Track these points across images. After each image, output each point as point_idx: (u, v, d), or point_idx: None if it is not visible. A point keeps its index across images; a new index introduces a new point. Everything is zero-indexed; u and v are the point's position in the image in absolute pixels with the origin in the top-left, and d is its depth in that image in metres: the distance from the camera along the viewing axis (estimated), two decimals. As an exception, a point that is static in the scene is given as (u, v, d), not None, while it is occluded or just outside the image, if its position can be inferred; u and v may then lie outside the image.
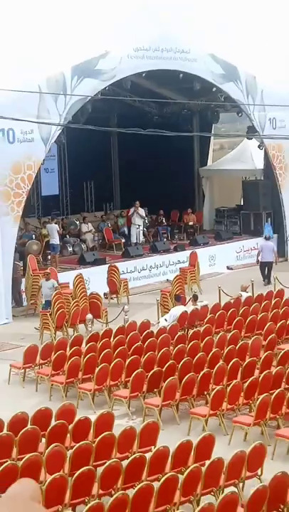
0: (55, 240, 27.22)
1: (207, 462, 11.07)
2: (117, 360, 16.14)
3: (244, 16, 31.08)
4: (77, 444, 11.69)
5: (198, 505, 10.27)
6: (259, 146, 30.30)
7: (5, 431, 12.21)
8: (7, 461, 11.05)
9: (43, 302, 21.13)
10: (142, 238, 29.18)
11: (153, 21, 26.37)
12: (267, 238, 28.89)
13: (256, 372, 15.50)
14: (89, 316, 21.24)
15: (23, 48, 26.83)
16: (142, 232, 29.34)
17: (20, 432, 12.04)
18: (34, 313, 22.62)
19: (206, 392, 14.85)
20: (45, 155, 24.60)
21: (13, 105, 22.31)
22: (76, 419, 12.89)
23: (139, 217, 29.41)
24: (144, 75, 26.24)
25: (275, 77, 29.63)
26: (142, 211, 29.76)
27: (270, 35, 30.32)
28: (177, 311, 19.97)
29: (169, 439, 12.42)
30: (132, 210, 29.82)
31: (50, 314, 20.89)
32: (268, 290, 22.97)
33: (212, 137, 35.13)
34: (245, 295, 22.08)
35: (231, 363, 15.73)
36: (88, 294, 22.65)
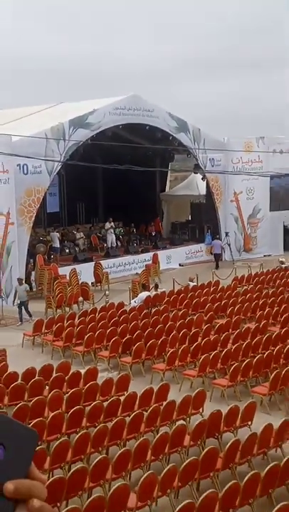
0: (56, 244, 27.33)
1: (164, 403, 11.02)
2: (100, 330, 16.02)
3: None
4: (71, 390, 11.71)
5: (157, 433, 10.14)
6: (202, 178, 30.25)
7: (19, 380, 12.07)
8: (21, 402, 10.97)
9: (18, 302, 19.92)
10: (114, 243, 29.12)
11: (128, 89, 26.86)
12: (217, 238, 29.57)
13: (199, 339, 15.30)
14: (80, 298, 21.32)
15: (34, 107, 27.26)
16: (114, 238, 29.31)
17: (30, 381, 11.98)
18: (41, 296, 22.26)
19: (163, 353, 14.75)
20: (50, 183, 24.42)
21: (27, 147, 22.34)
22: (70, 372, 12.90)
23: (111, 229, 29.44)
24: (120, 126, 26.25)
25: (212, 130, 30.13)
26: (113, 224, 29.68)
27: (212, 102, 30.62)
28: (143, 295, 19.89)
29: (137, 386, 12.37)
30: (107, 224, 29.79)
31: (52, 297, 20.73)
32: (208, 281, 22.72)
33: (169, 171, 34.97)
34: (191, 284, 21.99)
35: (182, 332, 15.74)
36: (80, 283, 22.57)
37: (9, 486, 0.87)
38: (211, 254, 29.34)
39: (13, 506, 0.88)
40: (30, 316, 19.62)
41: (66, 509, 7.46)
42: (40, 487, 0.91)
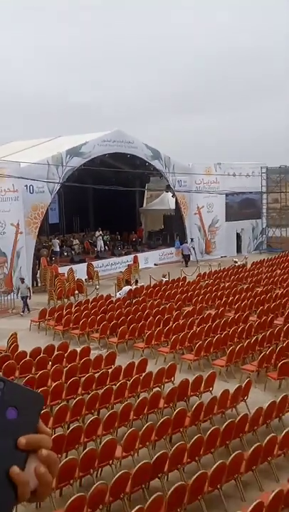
0: (57, 249, 27.21)
1: (143, 374, 11.08)
2: (92, 316, 16.03)
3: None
4: (69, 365, 11.76)
5: (138, 398, 10.24)
6: (172, 196, 30.30)
7: (28, 357, 12.03)
8: (29, 375, 11.02)
9: (22, 297, 19.50)
10: (102, 248, 29.05)
11: (112, 126, 26.92)
12: (186, 242, 29.70)
13: (171, 323, 15.27)
14: (76, 292, 21.35)
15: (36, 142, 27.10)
16: (102, 244, 29.31)
17: (36, 358, 12.00)
18: (45, 290, 22.14)
19: (142, 334, 14.67)
20: (51, 200, 24.32)
21: (33, 172, 22.47)
22: (68, 350, 12.88)
23: (100, 236, 29.50)
24: (107, 155, 26.21)
25: (179, 157, 30.25)
26: (102, 233, 29.83)
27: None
28: (126, 288, 19.81)
29: (122, 361, 12.40)
30: (97, 232, 29.87)
31: (53, 291, 20.63)
32: (178, 277, 22.70)
33: (146, 191, 34.88)
34: (164, 279, 22.04)
35: (157, 317, 15.79)
36: (76, 279, 22.44)
37: (22, 440, 0.88)
38: (182, 255, 29.41)
39: (26, 456, 0.89)
40: (28, 310, 19.36)
41: (66, 459, 7.45)
42: (47, 439, 0.92)
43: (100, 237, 29.57)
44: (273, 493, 6.42)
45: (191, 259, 29.26)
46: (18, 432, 0.88)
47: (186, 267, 27.57)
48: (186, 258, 29.06)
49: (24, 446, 0.88)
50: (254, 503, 6.16)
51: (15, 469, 0.85)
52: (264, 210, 33.92)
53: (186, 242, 29.81)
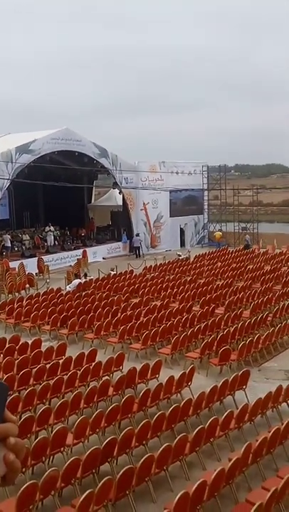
0: (8, 244, 26.46)
1: (93, 364, 11.03)
2: (43, 309, 15.75)
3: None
4: (21, 357, 11.40)
5: (88, 386, 10.15)
6: (119, 193, 30.21)
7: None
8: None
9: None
10: (52, 243, 28.76)
11: (61, 124, 26.58)
12: (137, 235, 29.84)
13: (119, 314, 15.28)
14: (27, 285, 20.97)
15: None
16: (52, 239, 29.05)
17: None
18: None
19: (92, 326, 14.53)
20: (1, 196, 23.87)
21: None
22: (20, 343, 12.58)
23: (50, 231, 29.27)
24: (56, 152, 25.87)
25: (126, 155, 30.27)
26: (52, 228, 29.58)
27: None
28: (76, 282, 19.65)
29: (72, 352, 12.13)
30: (47, 228, 29.47)
31: (5, 285, 20.14)
32: (125, 270, 22.71)
33: (94, 187, 34.71)
34: (112, 273, 22.00)
35: (105, 309, 15.72)
36: (26, 274, 22.10)
37: None
38: (133, 247, 29.65)
39: None
40: None
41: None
42: (14, 427, 0.93)
43: (51, 233, 29.17)
44: (215, 472, 6.56)
45: (142, 252, 29.51)
46: None
47: (138, 258, 28.04)
48: (137, 250, 29.46)
49: None
50: (198, 482, 6.28)
51: None
52: (205, 207, 34.50)
53: (138, 236, 29.97)
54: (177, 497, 5.94)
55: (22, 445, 0.93)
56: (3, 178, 23.20)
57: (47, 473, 6.51)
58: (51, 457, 7.88)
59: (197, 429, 7.81)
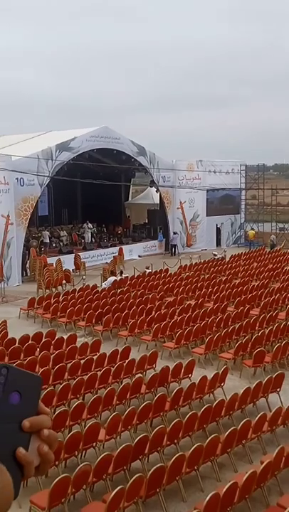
0: (46, 240, 26.91)
1: (126, 361, 11.07)
2: (78, 305, 15.90)
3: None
4: (56, 351, 11.69)
5: (121, 383, 10.17)
6: (156, 191, 30.18)
7: (17, 344, 11.96)
8: (17, 361, 10.96)
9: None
10: (89, 240, 29.02)
11: (100, 122, 26.80)
12: (174, 233, 29.87)
13: (153, 312, 15.28)
14: (64, 281, 21.26)
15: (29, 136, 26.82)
16: (89, 236, 29.38)
17: (25, 345, 11.92)
18: (34, 280, 21.97)
19: (126, 323, 14.63)
20: (40, 193, 24.11)
21: (24, 165, 22.28)
22: (56, 337, 12.81)
23: (88, 229, 29.61)
24: (95, 150, 26.06)
25: (163, 154, 30.28)
26: (90, 225, 29.93)
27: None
28: (111, 279, 19.76)
29: (106, 348, 12.37)
30: (85, 225, 29.85)
31: (42, 280, 20.41)
32: (160, 268, 22.59)
33: (131, 185, 34.79)
34: (147, 271, 21.97)
35: (140, 307, 15.71)
36: (63, 270, 22.32)
37: (26, 423, 0.90)
38: (170, 245, 29.84)
39: (29, 436, 0.91)
40: None
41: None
42: (47, 419, 0.94)
43: (88, 230, 29.46)
44: (247, 474, 6.51)
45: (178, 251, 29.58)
46: (22, 415, 0.90)
47: (174, 256, 28.17)
48: (174, 248, 29.62)
49: (28, 428, 0.90)
50: (229, 484, 6.25)
51: (21, 450, 0.89)
52: (242, 206, 34.13)
53: (175, 234, 29.99)
54: (208, 497, 5.93)
55: (55, 437, 0.94)
56: (44, 175, 23.52)
57: (79, 467, 6.61)
58: (84, 452, 7.99)
59: (229, 431, 7.77)
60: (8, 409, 0.89)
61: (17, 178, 22.34)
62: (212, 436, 7.61)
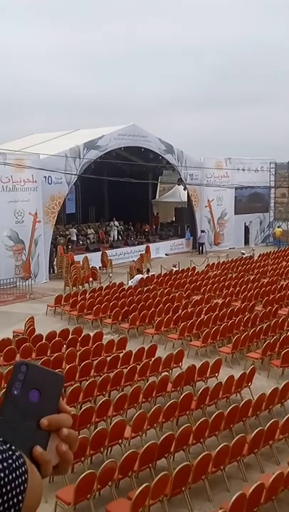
0: (73, 238, 27.20)
1: (152, 359, 11.10)
2: (105, 303, 16.01)
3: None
4: (83, 348, 11.75)
5: (147, 381, 10.17)
6: (184, 189, 30.11)
7: (43, 340, 12.06)
8: (44, 357, 11.08)
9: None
10: (116, 237, 29.18)
11: (127, 120, 26.81)
12: (202, 231, 29.85)
13: (180, 310, 15.22)
14: (90, 279, 21.31)
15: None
16: (116, 234, 29.53)
17: (52, 341, 12.00)
18: (61, 277, 22.11)
19: (152, 321, 14.65)
20: (68, 191, 24.29)
21: (52, 163, 22.46)
22: (82, 334, 12.90)
23: (114, 226, 29.77)
24: (122, 148, 26.11)
25: (190, 152, 30.12)
26: (116, 223, 30.10)
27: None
28: (138, 277, 19.81)
29: (132, 346, 12.40)
30: (112, 223, 30.05)
31: (69, 278, 20.55)
32: (187, 267, 22.58)
33: (158, 183, 34.77)
34: (174, 269, 21.96)
35: (166, 305, 15.64)
36: (90, 267, 22.41)
37: (44, 421, 0.89)
38: (197, 243, 29.83)
39: (48, 434, 0.90)
40: None
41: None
42: (67, 418, 0.93)
43: (115, 228, 29.60)
44: (274, 475, 6.44)
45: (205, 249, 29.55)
46: (41, 413, 0.89)
47: (201, 254, 28.25)
48: (201, 246, 29.62)
49: (46, 426, 0.89)
50: (255, 484, 6.19)
51: (37, 449, 0.87)
52: (272, 204, 33.70)
53: (203, 232, 29.94)
54: (234, 497, 5.88)
55: (75, 437, 0.93)
56: (71, 174, 23.67)
57: (105, 463, 6.63)
58: (109, 448, 8.02)
59: (256, 431, 7.69)
60: (27, 407, 0.88)
61: (45, 177, 22.55)
62: (239, 436, 7.55)
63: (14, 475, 0.80)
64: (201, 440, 8.05)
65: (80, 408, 8.88)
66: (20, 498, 0.79)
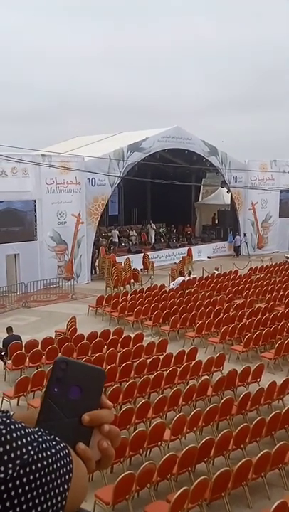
0: (115, 239, 27.47)
1: (193, 362, 11.06)
2: (146, 305, 16.02)
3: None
4: (123, 349, 11.83)
5: (187, 384, 10.25)
6: (227, 192, 29.85)
7: (85, 340, 12.18)
8: (85, 357, 11.09)
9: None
10: (154, 240, 29.24)
11: (171, 123, 26.86)
12: (237, 235, 29.67)
13: (221, 314, 15.06)
14: (132, 280, 21.47)
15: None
16: (153, 236, 29.61)
17: (93, 342, 12.14)
18: (102, 278, 22.31)
19: (193, 324, 14.61)
20: (111, 193, 24.51)
21: (95, 166, 22.72)
22: (123, 336, 12.96)
23: (152, 229, 29.92)
24: (166, 151, 26.17)
25: (235, 154, 29.89)
26: (153, 225, 30.23)
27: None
28: (179, 279, 19.71)
29: (173, 349, 12.38)
30: (149, 225, 30.17)
31: (111, 279, 20.68)
32: (229, 270, 22.39)
33: (202, 186, 34.69)
34: (216, 272, 21.86)
35: (208, 308, 15.67)
36: (132, 269, 22.53)
37: (86, 417, 0.88)
38: (234, 246, 29.60)
39: (90, 431, 0.89)
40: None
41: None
42: (109, 414, 0.92)
43: (152, 230, 29.67)
44: (316, 485, 6.29)
45: (242, 253, 29.10)
46: (82, 409, 0.89)
47: (237, 257, 28.01)
48: (237, 250, 29.43)
49: (88, 423, 0.88)
50: (297, 493, 6.07)
51: (80, 446, 0.87)
52: None
53: (238, 235, 29.65)
54: (274, 505, 5.78)
55: (116, 433, 0.92)
56: (114, 176, 23.88)
57: (144, 465, 6.66)
58: (148, 450, 8.04)
59: (299, 439, 7.54)
60: (68, 404, 0.88)
61: (88, 179, 22.83)
62: (280, 443, 7.43)
63: (59, 464, 0.81)
64: (242, 446, 7.97)
65: (120, 409, 8.93)
66: (66, 486, 0.80)
